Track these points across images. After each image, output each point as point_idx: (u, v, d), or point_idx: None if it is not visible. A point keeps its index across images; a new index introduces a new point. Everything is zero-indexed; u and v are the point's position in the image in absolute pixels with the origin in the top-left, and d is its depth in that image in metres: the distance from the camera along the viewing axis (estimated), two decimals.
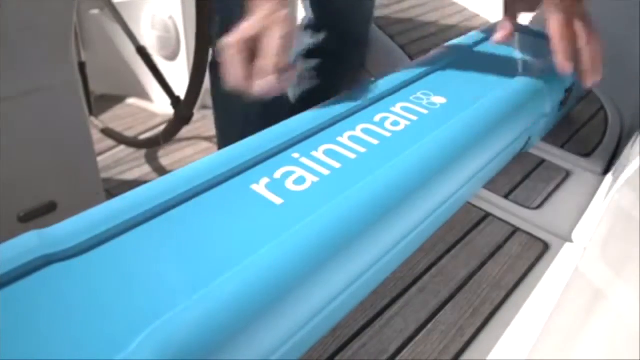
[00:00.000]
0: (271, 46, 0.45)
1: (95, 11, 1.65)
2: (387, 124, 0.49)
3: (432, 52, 0.66)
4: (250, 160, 0.41)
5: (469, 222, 0.55)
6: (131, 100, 1.79)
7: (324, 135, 0.46)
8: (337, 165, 0.42)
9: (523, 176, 0.64)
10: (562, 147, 0.71)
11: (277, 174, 0.41)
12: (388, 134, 0.47)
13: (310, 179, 0.40)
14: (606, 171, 0.68)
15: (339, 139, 0.46)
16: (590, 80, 0.55)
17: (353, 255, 0.37)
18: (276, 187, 0.39)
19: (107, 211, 0.35)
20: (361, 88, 0.54)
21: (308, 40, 1.12)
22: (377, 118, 0.50)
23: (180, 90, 1.18)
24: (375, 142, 0.46)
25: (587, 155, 0.70)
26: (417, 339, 0.41)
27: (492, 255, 0.51)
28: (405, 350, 0.40)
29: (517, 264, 0.50)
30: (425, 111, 0.52)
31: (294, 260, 0.33)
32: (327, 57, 1.11)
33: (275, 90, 0.46)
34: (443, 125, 0.49)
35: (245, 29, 0.46)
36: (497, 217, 0.56)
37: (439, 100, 0.54)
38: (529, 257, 0.51)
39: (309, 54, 1.13)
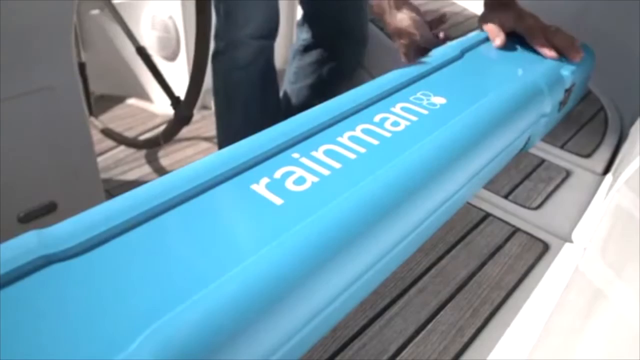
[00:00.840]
0: None
1: (95, 11, 1.65)
2: (387, 124, 0.49)
3: (432, 52, 0.66)
4: (250, 160, 0.41)
5: (469, 222, 0.55)
6: (131, 101, 1.79)
7: (324, 136, 0.46)
8: (337, 165, 0.42)
9: (523, 176, 0.64)
10: (562, 147, 0.71)
11: (277, 174, 0.41)
12: (388, 134, 0.47)
13: (311, 179, 0.40)
14: (606, 171, 0.68)
15: (339, 139, 0.46)
16: (575, 56, 0.66)
17: (353, 256, 0.37)
18: (276, 187, 0.39)
19: (106, 211, 0.35)
20: (361, 88, 0.54)
21: (304, 35, 1.12)
22: (377, 118, 0.50)
23: (180, 91, 1.18)
24: (375, 142, 0.46)
25: (587, 155, 0.70)
26: (417, 339, 0.41)
27: (492, 255, 0.51)
28: (405, 351, 0.40)
29: (517, 264, 0.50)
30: (425, 111, 0.52)
31: (294, 261, 0.33)
32: (324, 52, 1.12)
33: None
34: (443, 126, 0.49)
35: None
36: (497, 217, 0.56)
37: (439, 100, 0.54)
38: (529, 258, 0.51)
39: (305, 49, 1.13)
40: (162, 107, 1.67)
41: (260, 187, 0.39)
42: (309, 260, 0.34)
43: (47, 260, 0.31)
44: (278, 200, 0.38)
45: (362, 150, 0.45)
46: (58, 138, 0.88)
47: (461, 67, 0.63)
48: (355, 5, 1.08)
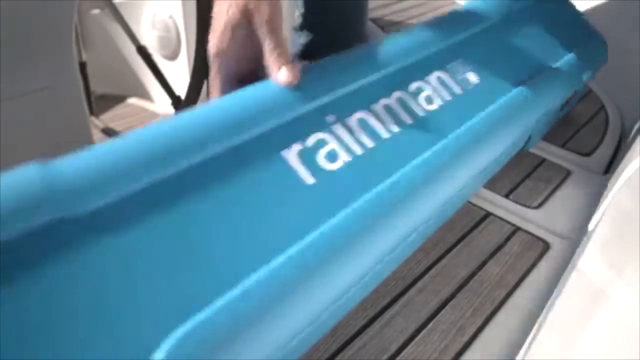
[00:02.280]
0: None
1: (96, 11, 1.65)
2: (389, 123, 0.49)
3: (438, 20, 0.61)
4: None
5: (469, 221, 0.55)
6: (132, 100, 1.79)
7: (326, 131, 0.46)
8: (339, 164, 0.42)
9: (524, 175, 0.64)
10: (562, 146, 0.71)
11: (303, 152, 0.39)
12: (388, 134, 0.47)
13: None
14: (606, 171, 0.68)
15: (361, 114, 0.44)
16: None
17: (353, 255, 0.37)
18: (280, 183, 0.39)
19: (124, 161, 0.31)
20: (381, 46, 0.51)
21: (303, 40, 1.12)
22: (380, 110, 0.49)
23: (181, 90, 1.18)
24: (373, 143, 0.46)
25: (587, 154, 0.70)
26: (417, 338, 0.42)
27: (492, 254, 0.51)
28: (405, 350, 0.40)
29: (517, 263, 0.50)
30: None
31: (293, 261, 0.33)
32: (323, 57, 1.11)
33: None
34: (443, 125, 0.49)
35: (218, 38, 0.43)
36: (498, 216, 0.56)
37: None
38: (529, 257, 0.51)
39: (304, 54, 1.13)
40: (163, 107, 1.67)
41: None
42: (309, 260, 0.34)
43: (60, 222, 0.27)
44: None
45: (369, 144, 0.44)
46: (58, 138, 0.88)
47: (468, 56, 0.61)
48: (353, 6, 1.08)
